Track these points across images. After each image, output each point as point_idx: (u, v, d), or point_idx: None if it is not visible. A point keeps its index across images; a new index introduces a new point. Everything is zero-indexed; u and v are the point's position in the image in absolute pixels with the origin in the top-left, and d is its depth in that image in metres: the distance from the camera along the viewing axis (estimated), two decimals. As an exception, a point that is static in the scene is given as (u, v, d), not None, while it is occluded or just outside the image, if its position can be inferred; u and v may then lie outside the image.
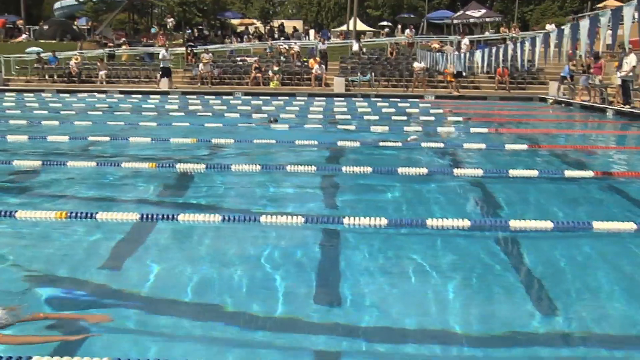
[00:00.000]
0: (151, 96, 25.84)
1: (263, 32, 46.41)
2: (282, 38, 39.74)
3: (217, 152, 11.60)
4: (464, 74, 27.96)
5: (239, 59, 33.07)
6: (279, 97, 25.39)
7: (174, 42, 37.94)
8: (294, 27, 48.27)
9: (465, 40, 32.23)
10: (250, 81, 29.96)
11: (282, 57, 33.05)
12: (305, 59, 32.46)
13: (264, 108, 20.80)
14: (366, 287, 4.90)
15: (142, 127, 15.07)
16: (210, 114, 18.84)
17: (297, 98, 25.66)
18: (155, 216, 6.50)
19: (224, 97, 25.60)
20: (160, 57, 30.04)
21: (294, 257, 5.58)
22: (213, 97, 25.41)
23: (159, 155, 10.82)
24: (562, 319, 4.40)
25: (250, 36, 42.67)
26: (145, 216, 6.48)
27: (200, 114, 18.69)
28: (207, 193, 8.28)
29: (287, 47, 34.72)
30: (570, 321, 4.37)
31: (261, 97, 25.36)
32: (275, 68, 30.33)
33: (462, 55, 25.75)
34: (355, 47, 33.27)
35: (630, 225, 6.37)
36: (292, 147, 11.84)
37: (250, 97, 25.48)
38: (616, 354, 3.95)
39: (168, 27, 43.91)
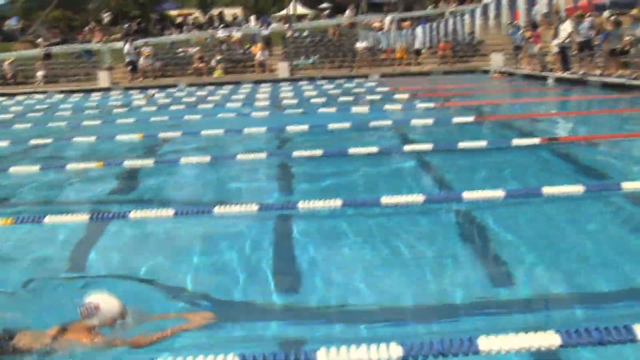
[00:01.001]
0: (93, 94, 25.21)
1: (203, 21, 45.70)
2: (223, 26, 39.19)
3: (165, 145, 11.40)
4: (422, 50, 28.15)
5: (180, 50, 32.53)
6: (224, 86, 25.10)
7: (111, 37, 36.97)
8: (234, 15, 47.69)
9: (389, 17, 32.57)
10: (193, 72, 29.52)
11: (224, 46, 32.63)
12: (248, 46, 32.14)
13: (209, 98, 20.52)
14: (329, 268, 4.88)
15: (85, 126, 14.68)
16: (155, 107, 18.49)
17: (243, 86, 25.41)
18: (106, 215, 6.33)
19: (168, 89, 25.17)
20: (125, 51, 29.42)
21: (251, 246, 5.52)
22: (157, 90, 24.94)
23: (106, 153, 10.57)
24: (519, 284, 4.47)
25: (190, 26, 41.98)
26: (95, 216, 6.31)
27: (145, 109, 18.31)
28: (158, 188, 8.12)
29: (228, 35, 34.28)
30: (526, 286, 4.44)
31: (206, 87, 25.03)
32: (218, 57, 29.97)
33: (404, 32, 25.89)
34: (265, 32, 32.94)
35: (578, 188, 6.49)
36: (241, 135, 11.72)
37: (195, 88, 25.12)
38: (571, 314, 4.03)
39: (104, 22, 42.79)
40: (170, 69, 30.49)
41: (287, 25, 34.16)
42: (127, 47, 29.29)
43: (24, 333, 3.72)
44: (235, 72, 29.93)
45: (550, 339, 3.21)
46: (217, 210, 6.30)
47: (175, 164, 9.25)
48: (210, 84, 26.50)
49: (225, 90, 23.62)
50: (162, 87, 25.79)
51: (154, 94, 19.32)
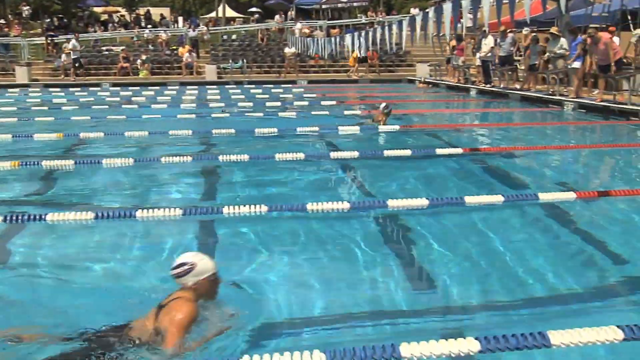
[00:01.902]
0: (9, 90, 24.23)
1: (129, 20, 44.73)
2: (150, 26, 38.49)
3: (87, 146, 11.05)
4: (366, 58, 28.37)
5: (104, 48, 31.70)
6: (150, 87, 24.61)
7: (31, 31, 35.68)
8: (162, 15, 46.85)
9: (298, 25, 32.96)
10: (117, 71, 28.82)
11: (150, 46, 32.03)
12: (174, 47, 31.66)
13: (134, 99, 20.08)
14: (252, 274, 4.83)
15: (0, 123, 14.07)
16: (77, 106, 17.93)
17: (169, 87, 25.00)
18: (20, 217, 6.06)
19: (91, 88, 24.46)
20: (70, 47, 28.28)
21: (173, 251, 5.41)
22: (79, 89, 24.22)
23: (23, 153, 10.16)
24: (440, 291, 4.55)
25: (116, 25, 41.01)
26: (9, 218, 6.03)
27: (65, 108, 17.72)
28: (78, 190, 7.86)
29: (155, 35, 33.68)
30: (447, 292, 4.53)
31: (130, 88, 24.48)
32: (144, 57, 29.39)
33: (333, 39, 26.11)
34: (193, 34, 32.56)
35: (498, 198, 6.69)
36: (166, 137, 11.50)
37: (119, 88, 24.52)
38: (489, 320, 4.14)
39: (24, 15, 41.23)
40: (93, 67, 29.63)
41: (205, 29, 33.70)
42: (72, 42, 28.25)
43: (133, 324, 3.67)
44: (162, 73, 29.42)
45: (470, 345, 3.28)
46: (140, 214, 6.14)
47: (97, 166, 8.97)
48: (135, 84, 25.94)
49: (150, 91, 23.16)
50: (85, 86, 25.08)
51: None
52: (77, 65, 28.00)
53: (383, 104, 12.62)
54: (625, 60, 16.53)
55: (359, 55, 27.46)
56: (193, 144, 11.28)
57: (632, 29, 18.99)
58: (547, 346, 3.30)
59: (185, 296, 3.67)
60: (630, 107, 14.00)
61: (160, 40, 32.62)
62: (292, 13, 42.62)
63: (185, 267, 3.69)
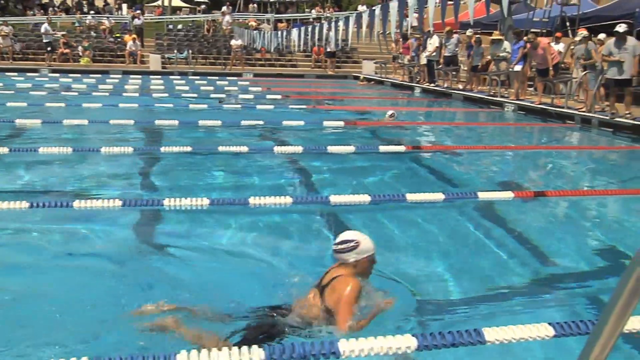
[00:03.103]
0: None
1: (70, 4, 43.50)
2: (92, 12, 37.52)
3: (23, 133, 10.71)
4: (335, 53, 28.36)
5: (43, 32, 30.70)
6: (91, 75, 24.01)
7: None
8: (105, 1, 45.78)
9: (228, 18, 32.87)
10: (57, 57, 27.99)
11: (92, 33, 31.23)
12: (118, 35, 30.96)
13: (74, 86, 19.57)
14: (191, 268, 4.78)
15: None
16: (12, 92, 17.34)
17: (111, 76, 24.44)
18: None
19: (28, 74, 23.71)
20: (42, 30, 27.34)
21: (112, 242, 5.31)
22: (15, 74, 23.44)
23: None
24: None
25: (56, 9, 39.81)
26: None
27: (1, 92, 17.12)
28: (12, 178, 7.61)
29: (98, 22, 32.84)
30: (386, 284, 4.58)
31: (71, 75, 23.83)
32: (86, 44, 28.63)
33: (280, 33, 26.04)
34: (138, 22, 31.76)
35: (438, 196, 6.79)
36: (107, 127, 11.24)
37: (58, 75, 23.84)
38: (426, 317, 4.20)
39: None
40: (31, 52, 28.69)
41: (136, 13, 32.88)
42: (45, 26, 27.27)
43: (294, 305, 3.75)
44: (104, 61, 28.73)
45: (407, 342, 3.32)
46: (77, 204, 5.98)
47: (33, 154, 8.69)
48: (76, 71, 25.26)
49: (92, 78, 22.60)
50: (22, 71, 24.30)
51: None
52: (49, 49, 27.19)
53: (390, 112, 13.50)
54: (562, 65, 17.02)
55: (327, 50, 27.62)
56: (135, 134, 11.07)
57: (571, 35, 19.53)
58: (482, 343, 3.37)
59: (346, 273, 3.72)
60: (567, 110, 14.44)
61: (103, 27, 31.82)
62: (253, 6, 42.53)
63: (350, 244, 3.75)
